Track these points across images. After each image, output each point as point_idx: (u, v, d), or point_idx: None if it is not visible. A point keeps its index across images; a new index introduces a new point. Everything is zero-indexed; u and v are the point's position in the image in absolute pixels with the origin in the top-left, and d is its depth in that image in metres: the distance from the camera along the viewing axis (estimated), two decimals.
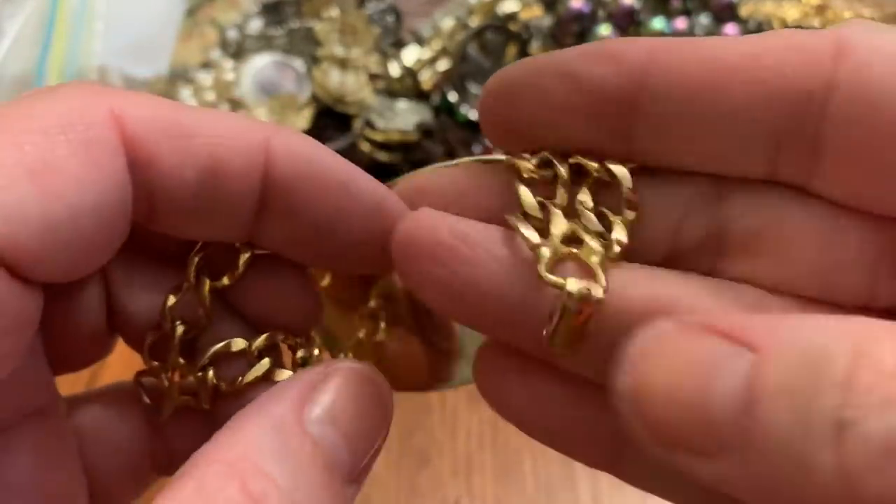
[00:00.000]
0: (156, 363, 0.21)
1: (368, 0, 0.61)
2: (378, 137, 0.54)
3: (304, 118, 0.54)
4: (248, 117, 0.19)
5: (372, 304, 0.24)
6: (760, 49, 0.17)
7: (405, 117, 0.55)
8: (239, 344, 0.21)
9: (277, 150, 0.19)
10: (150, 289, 0.21)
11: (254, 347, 0.21)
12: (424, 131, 0.54)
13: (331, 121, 0.55)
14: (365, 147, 0.54)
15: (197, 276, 0.21)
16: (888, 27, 0.17)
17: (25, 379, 0.19)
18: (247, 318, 0.22)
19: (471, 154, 0.54)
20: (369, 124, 0.55)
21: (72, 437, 0.21)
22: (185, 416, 0.22)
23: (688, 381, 0.15)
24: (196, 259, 0.21)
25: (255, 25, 0.61)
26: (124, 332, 0.22)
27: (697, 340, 0.15)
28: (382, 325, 0.24)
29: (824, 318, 0.14)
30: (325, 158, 0.19)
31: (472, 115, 0.57)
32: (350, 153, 0.53)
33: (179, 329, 0.21)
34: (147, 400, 0.22)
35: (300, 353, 0.22)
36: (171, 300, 0.21)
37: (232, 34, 0.60)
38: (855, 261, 0.18)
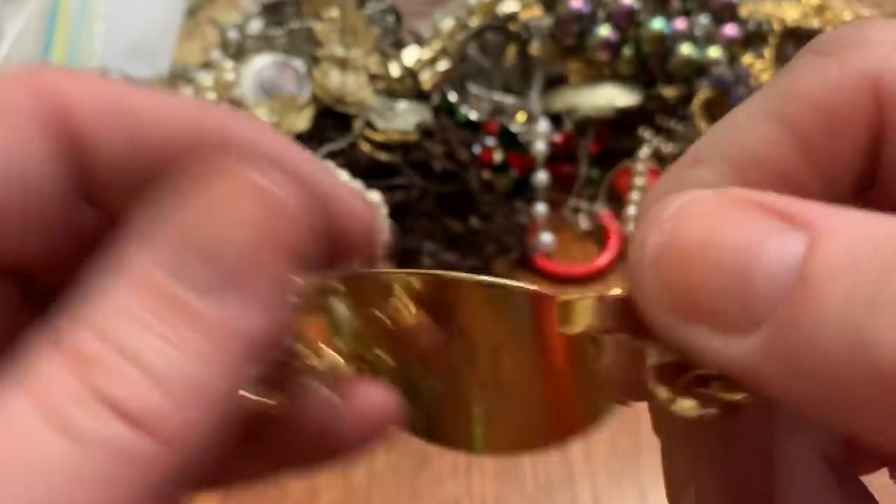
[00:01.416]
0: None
1: (368, 0, 0.61)
2: (378, 138, 0.54)
3: (305, 118, 0.54)
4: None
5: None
6: (788, 127, 0.16)
7: (405, 117, 0.55)
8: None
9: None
10: None
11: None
12: (424, 131, 0.54)
13: (331, 121, 0.55)
14: (365, 147, 0.54)
15: None
16: None
17: None
18: None
19: (471, 154, 0.54)
20: (369, 124, 0.55)
21: None
22: None
23: (730, 249, 0.13)
24: None
25: (256, 26, 0.61)
26: None
27: (744, 212, 0.14)
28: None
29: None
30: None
31: (472, 115, 0.57)
32: (350, 153, 0.53)
33: None
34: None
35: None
36: None
37: (232, 34, 0.60)
38: None
